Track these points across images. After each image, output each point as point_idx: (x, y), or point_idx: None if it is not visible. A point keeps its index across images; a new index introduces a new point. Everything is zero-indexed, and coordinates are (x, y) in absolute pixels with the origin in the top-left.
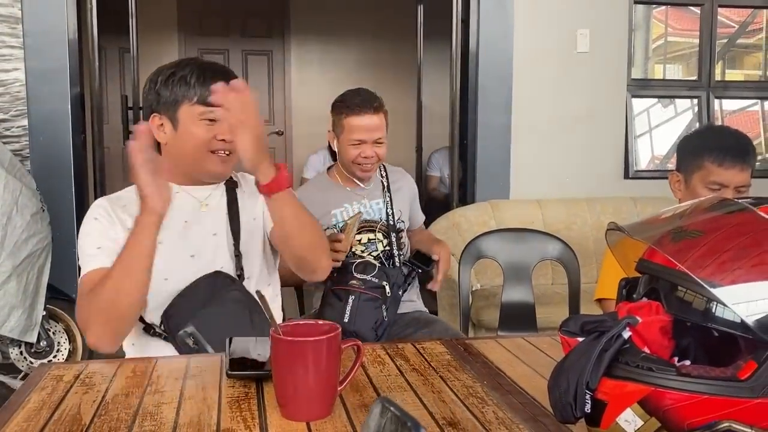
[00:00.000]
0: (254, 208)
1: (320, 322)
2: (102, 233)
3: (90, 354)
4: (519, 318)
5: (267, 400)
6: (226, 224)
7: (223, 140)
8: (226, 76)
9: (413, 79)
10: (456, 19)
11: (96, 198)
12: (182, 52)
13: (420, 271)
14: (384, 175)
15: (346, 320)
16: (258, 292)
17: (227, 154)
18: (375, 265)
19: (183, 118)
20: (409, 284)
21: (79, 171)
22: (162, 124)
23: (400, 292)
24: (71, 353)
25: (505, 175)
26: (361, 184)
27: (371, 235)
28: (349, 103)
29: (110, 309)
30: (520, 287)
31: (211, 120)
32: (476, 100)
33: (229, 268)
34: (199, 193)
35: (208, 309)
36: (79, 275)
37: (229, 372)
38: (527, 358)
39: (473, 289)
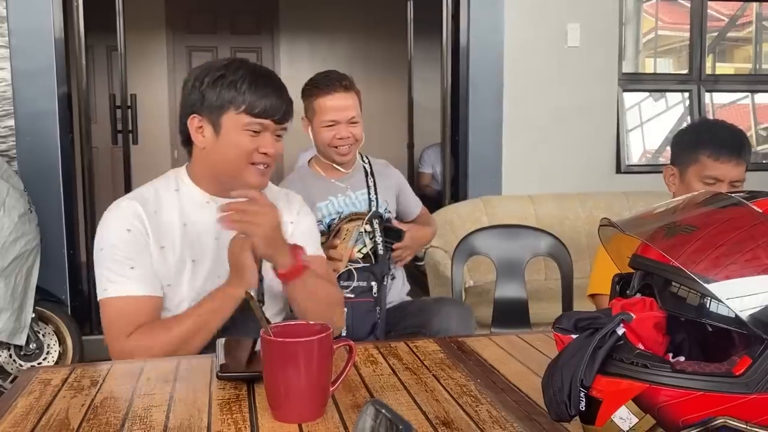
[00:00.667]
0: (289, 216)
1: (311, 322)
2: (137, 250)
3: (81, 356)
4: (512, 314)
5: (258, 402)
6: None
7: (265, 153)
8: (278, 88)
9: (404, 75)
10: (446, 15)
11: (85, 200)
12: (170, 49)
13: (391, 246)
14: (367, 161)
15: (344, 334)
16: (247, 292)
17: (266, 167)
18: (350, 271)
19: (226, 124)
20: (389, 266)
21: (67, 171)
22: (201, 127)
23: (386, 282)
24: (61, 355)
25: (497, 171)
26: (342, 169)
27: (360, 228)
28: (318, 84)
29: (168, 352)
30: (513, 283)
31: (255, 131)
32: (467, 96)
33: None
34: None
35: (227, 334)
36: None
37: (220, 374)
38: (521, 356)
39: (466, 285)
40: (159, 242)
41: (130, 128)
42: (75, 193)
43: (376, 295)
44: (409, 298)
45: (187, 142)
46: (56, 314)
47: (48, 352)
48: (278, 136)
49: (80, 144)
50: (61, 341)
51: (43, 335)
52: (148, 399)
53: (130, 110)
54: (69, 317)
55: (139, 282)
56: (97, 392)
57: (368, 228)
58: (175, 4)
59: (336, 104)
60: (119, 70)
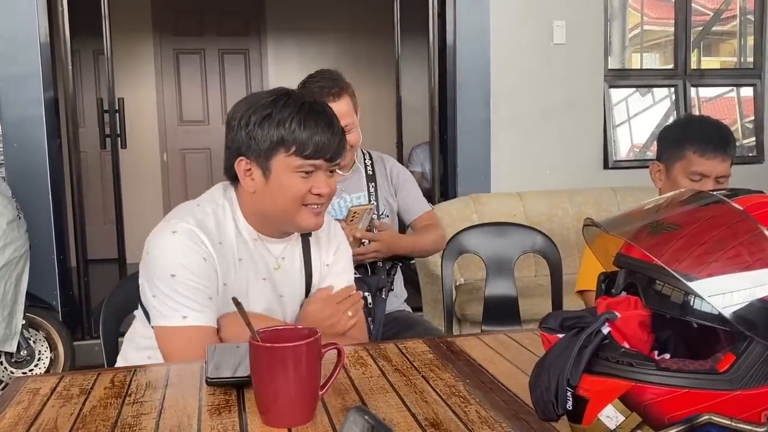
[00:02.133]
0: (327, 256)
1: (299, 326)
2: (212, 282)
3: (73, 362)
4: (503, 311)
5: (248, 407)
6: (299, 285)
7: (319, 194)
8: (329, 122)
9: (391, 74)
10: (432, 13)
11: (74, 205)
12: (158, 52)
13: (401, 264)
14: (369, 163)
15: None
16: (234, 298)
17: (320, 206)
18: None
19: (276, 168)
20: (392, 281)
21: (56, 177)
22: (250, 170)
23: (384, 296)
24: (53, 361)
25: (485, 168)
26: (340, 172)
27: (372, 213)
28: (311, 90)
29: None
30: (503, 281)
31: (307, 172)
32: (455, 94)
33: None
34: (275, 247)
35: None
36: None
37: (209, 379)
38: (509, 355)
39: (457, 283)
40: (223, 278)
41: (119, 132)
42: (64, 198)
43: (370, 306)
44: (406, 307)
45: (234, 178)
46: (47, 320)
47: (39, 359)
48: (331, 171)
49: (68, 149)
50: (53, 347)
51: (34, 342)
52: (137, 406)
53: (118, 114)
54: (60, 323)
55: (215, 313)
56: (85, 400)
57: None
58: (162, 7)
59: None
60: (106, 74)
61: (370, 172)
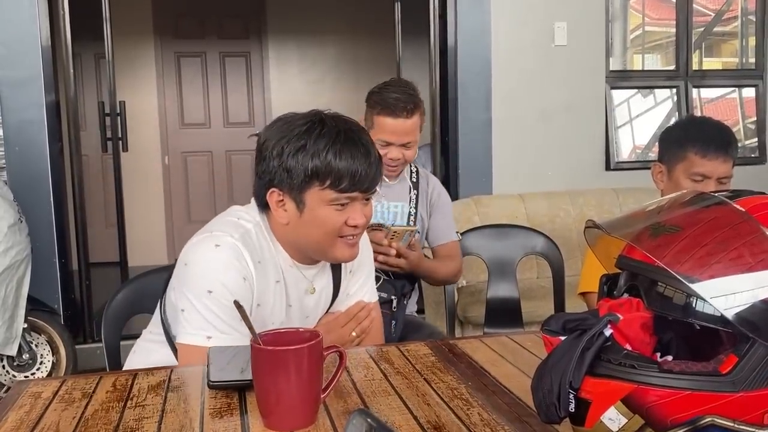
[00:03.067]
0: (350, 285)
1: (301, 329)
2: (246, 302)
3: (75, 365)
4: (505, 313)
5: (250, 411)
6: (324, 308)
7: (355, 225)
8: (366, 152)
9: (392, 76)
10: (433, 15)
11: (75, 208)
12: (159, 55)
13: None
14: (415, 177)
15: None
16: (236, 302)
17: (355, 236)
18: (379, 277)
19: (310, 201)
20: (413, 289)
21: (57, 180)
22: (282, 201)
23: (405, 301)
24: (55, 365)
25: (487, 170)
26: (386, 180)
27: (415, 234)
28: (387, 103)
29: None
30: (505, 283)
31: (342, 204)
32: (456, 96)
33: None
34: (309, 272)
35: None
36: (163, 314)
37: (211, 382)
38: (512, 357)
39: (459, 285)
40: (258, 299)
41: (120, 135)
42: (65, 201)
43: (394, 309)
44: (416, 309)
45: (264, 205)
46: (49, 324)
47: (41, 362)
48: (367, 200)
49: (69, 152)
50: (55, 351)
51: (36, 345)
52: (139, 410)
53: (119, 117)
54: (62, 327)
55: (243, 336)
56: (88, 404)
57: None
58: (163, 10)
59: (396, 128)
60: (107, 77)
61: (414, 186)
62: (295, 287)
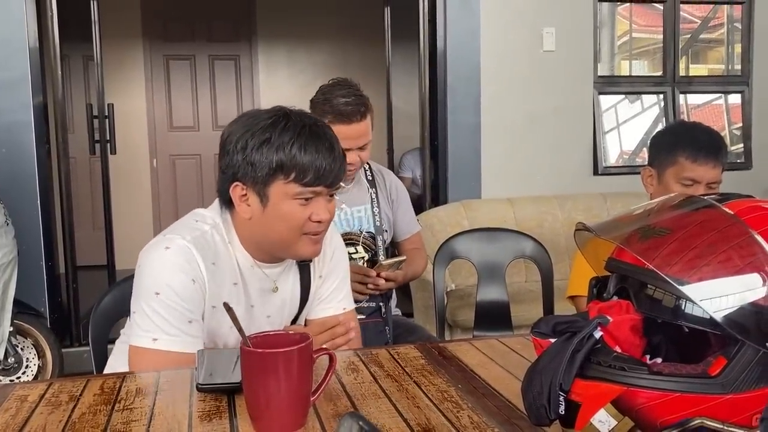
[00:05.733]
0: (322, 267)
1: (291, 332)
2: (196, 304)
3: (61, 369)
4: (494, 317)
5: (239, 414)
6: (291, 307)
7: (319, 221)
8: (330, 147)
9: (382, 80)
10: (423, 20)
11: (62, 211)
12: (147, 58)
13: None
14: (370, 176)
15: None
16: (225, 304)
17: (319, 233)
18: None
19: (274, 195)
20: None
21: (44, 182)
22: (246, 196)
23: (391, 303)
24: (41, 369)
25: (476, 174)
26: (343, 183)
27: (351, 249)
28: (337, 110)
29: None
30: (495, 286)
31: (306, 199)
32: (445, 100)
33: None
34: (271, 271)
35: None
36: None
37: (200, 385)
38: (501, 360)
39: (448, 289)
40: (211, 301)
41: (108, 138)
42: (52, 204)
43: (384, 315)
44: (398, 310)
45: (228, 202)
46: (35, 327)
47: (27, 366)
48: (330, 196)
49: (57, 154)
50: (41, 355)
51: (21, 349)
52: (127, 413)
53: (107, 120)
54: (48, 330)
55: (193, 338)
56: (74, 407)
57: (362, 250)
58: (152, 13)
59: (351, 134)
60: (96, 79)
61: (372, 186)
62: (256, 287)
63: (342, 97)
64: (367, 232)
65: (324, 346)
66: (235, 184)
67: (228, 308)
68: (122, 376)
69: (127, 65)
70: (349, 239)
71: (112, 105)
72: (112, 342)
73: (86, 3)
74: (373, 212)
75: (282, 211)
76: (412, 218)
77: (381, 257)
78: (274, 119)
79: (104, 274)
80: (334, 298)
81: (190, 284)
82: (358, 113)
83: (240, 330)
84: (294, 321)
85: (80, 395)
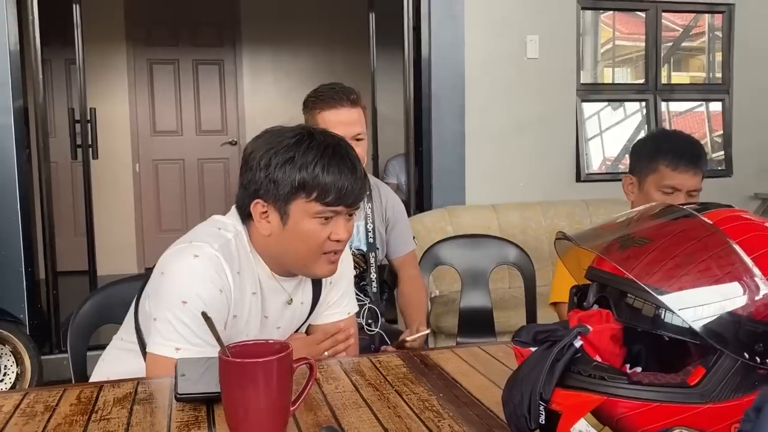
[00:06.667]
0: (329, 295)
1: (271, 341)
2: (221, 314)
3: (40, 377)
4: (478, 323)
5: (218, 423)
6: (300, 319)
7: (338, 240)
8: (352, 167)
9: (367, 86)
10: (407, 27)
11: (43, 216)
12: (131, 62)
13: (387, 288)
14: (368, 192)
15: None
16: (204, 313)
17: (337, 252)
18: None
19: (295, 213)
20: (383, 307)
21: (25, 187)
22: (266, 213)
23: (378, 324)
24: (19, 377)
25: (460, 181)
26: None
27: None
28: (323, 96)
29: None
30: (478, 292)
31: (326, 218)
32: (430, 107)
33: None
34: (288, 284)
35: None
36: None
37: (178, 394)
38: (483, 368)
39: (432, 295)
40: (234, 310)
41: (90, 142)
42: (33, 209)
43: (372, 333)
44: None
45: (247, 215)
46: (14, 334)
47: (5, 374)
48: (350, 215)
49: (38, 159)
50: (19, 362)
51: (0, 356)
52: (104, 423)
53: (89, 124)
54: (27, 337)
55: (213, 349)
56: (50, 418)
57: (356, 263)
58: (136, 17)
59: (341, 119)
60: (78, 83)
61: (368, 199)
62: (272, 299)
63: (330, 88)
64: (357, 249)
65: (326, 354)
66: (256, 201)
67: (206, 317)
68: (100, 386)
69: (110, 69)
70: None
71: (95, 109)
72: (92, 349)
73: (68, 6)
74: (367, 228)
75: (302, 230)
76: (408, 236)
77: (406, 335)
78: (299, 138)
79: (86, 280)
80: (341, 303)
81: (218, 294)
82: (347, 99)
83: (218, 339)
84: (297, 329)
85: (56, 405)
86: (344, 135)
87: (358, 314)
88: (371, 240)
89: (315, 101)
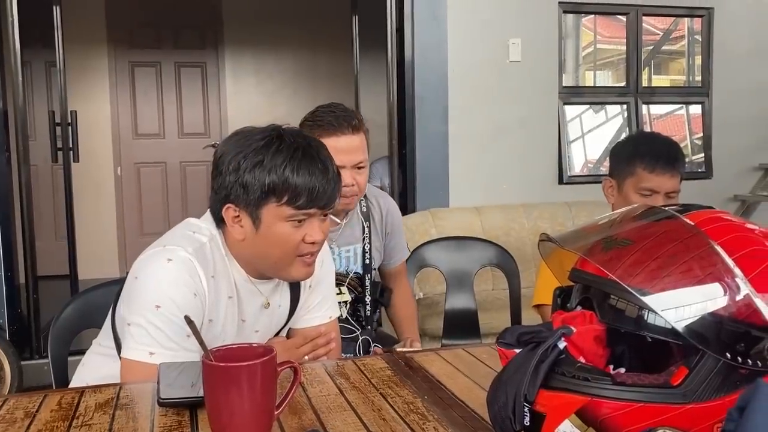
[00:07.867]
0: (309, 299)
1: (254, 344)
2: (196, 318)
3: (20, 382)
4: (462, 325)
5: (201, 428)
6: (278, 323)
7: (313, 242)
8: (324, 168)
9: (350, 89)
10: (391, 30)
11: (23, 220)
12: (112, 64)
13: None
14: (364, 206)
15: None
16: (187, 317)
17: (313, 254)
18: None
19: (267, 218)
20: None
21: (4, 191)
22: (239, 217)
23: (370, 350)
24: None
25: (444, 183)
26: (337, 219)
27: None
28: (322, 122)
29: None
30: (463, 294)
31: (299, 221)
32: (413, 110)
33: None
34: (264, 287)
35: None
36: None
37: (161, 399)
38: (467, 370)
39: (417, 298)
40: (209, 314)
41: (71, 146)
42: (12, 213)
43: (360, 352)
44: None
45: (220, 220)
46: None
47: None
48: (324, 215)
49: (17, 162)
50: None
51: None
52: (85, 429)
53: (70, 127)
54: (7, 342)
55: (189, 352)
56: (30, 424)
57: (346, 291)
58: (117, 19)
59: (342, 147)
60: (58, 85)
61: (366, 218)
62: (249, 302)
63: (332, 112)
64: (354, 273)
65: (306, 357)
66: (227, 206)
67: (189, 321)
68: (81, 391)
69: (91, 71)
70: (335, 280)
71: (76, 112)
72: (73, 354)
73: (48, 7)
74: (364, 250)
75: (275, 234)
76: (402, 245)
77: (401, 344)
78: (267, 140)
79: (67, 285)
80: (322, 307)
81: (192, 298)
82: (348, 126)
83: (201, 343)
84: (278, 332)
85: (37, 411)
86: (345, 164)
87: (352, 349)
88: (367, 261)
89: (313, 126)
